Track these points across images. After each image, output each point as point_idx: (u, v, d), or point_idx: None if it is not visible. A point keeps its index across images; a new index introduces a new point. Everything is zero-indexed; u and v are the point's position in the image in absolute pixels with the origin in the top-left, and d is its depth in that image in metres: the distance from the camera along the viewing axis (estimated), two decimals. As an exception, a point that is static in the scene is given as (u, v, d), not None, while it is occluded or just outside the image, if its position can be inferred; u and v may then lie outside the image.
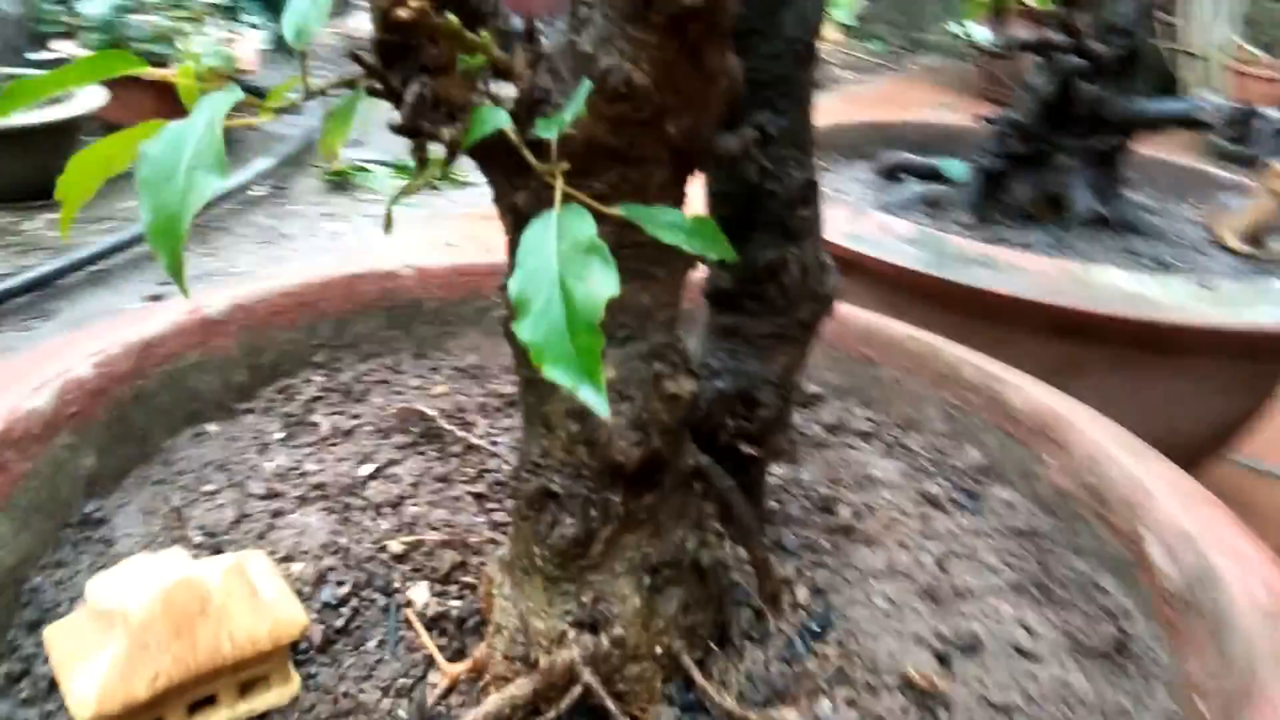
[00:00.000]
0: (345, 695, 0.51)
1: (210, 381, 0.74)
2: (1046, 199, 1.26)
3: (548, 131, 0.41)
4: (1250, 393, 1.10)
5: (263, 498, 0.66)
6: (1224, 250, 1.25)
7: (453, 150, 0.44)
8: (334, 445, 0.73)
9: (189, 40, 2.47)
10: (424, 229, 2.13)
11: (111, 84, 2.06)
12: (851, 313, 0.84)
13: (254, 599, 0.49)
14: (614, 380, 0.48)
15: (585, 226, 0.37)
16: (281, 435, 0.73)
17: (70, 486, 0.62)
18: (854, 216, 1.07)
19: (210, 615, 0.47)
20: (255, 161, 2.30)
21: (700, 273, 0.61)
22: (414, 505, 0.66)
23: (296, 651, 0.53)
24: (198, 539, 0.61)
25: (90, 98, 2.03)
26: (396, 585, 0.59)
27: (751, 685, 0.52)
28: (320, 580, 0.58)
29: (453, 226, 2.11)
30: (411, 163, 0.45)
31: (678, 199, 0.50)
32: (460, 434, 0.74)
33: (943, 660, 0.55)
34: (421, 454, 0.73)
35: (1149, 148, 1.40)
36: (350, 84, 0.46)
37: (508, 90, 0.45)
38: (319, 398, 0.78)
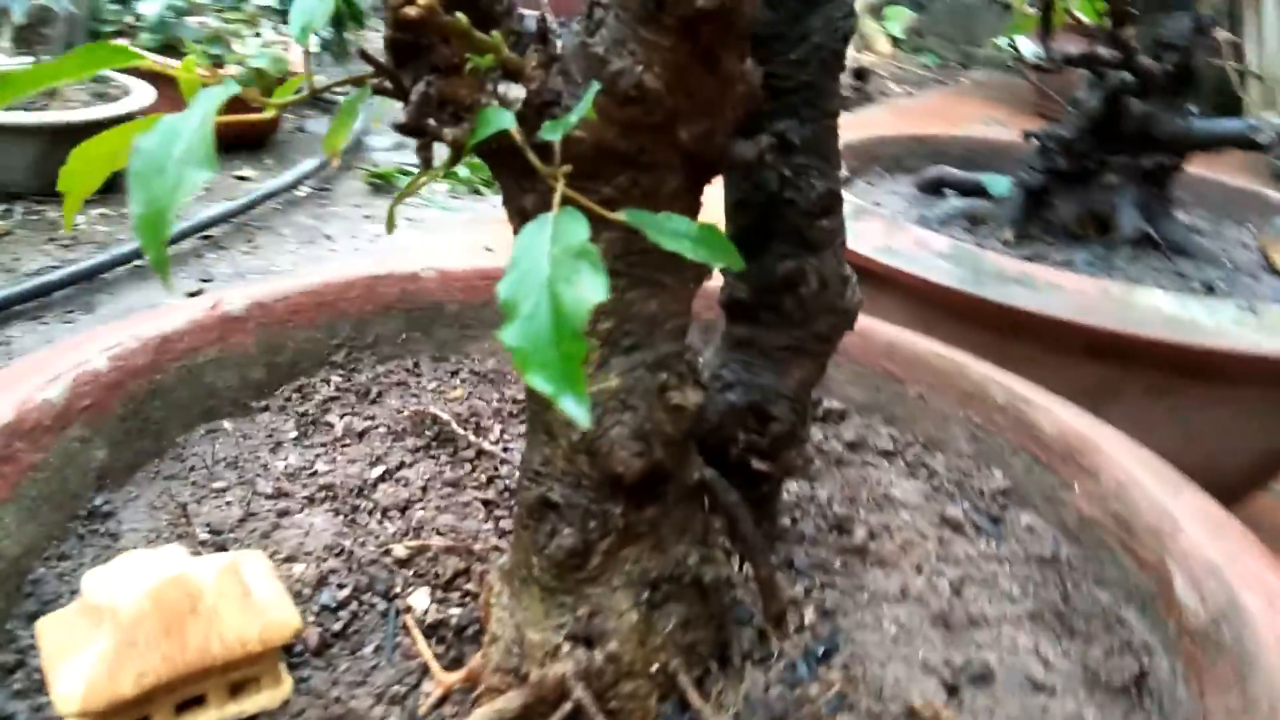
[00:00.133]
0: (337, 700, 0.50)
1: (227, 378, 0.74)
2: (1092, 217, 1.22)
3: (552, 134, 0.40)
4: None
5: (270, 497, 0.65)
6: (1277, 275, 1.21)
7: (457, 151, 0.44)
8: (346, 446, 0.72)
9: (243, 42, 2.51)
10: (464, 233, 2.14)
11: (158, 81, 2.10)
12: (876, 327, 0.82)
13: (246, 600, 0.49)
14: (617, 389, 0.47)
15: (579, 230, 0.36)
16: (295, 434, 0.73)
17: (80, 479, 0.62)
18: (889, 230, 1.05)
19: (201, 614, 0.47)
20: (301, 162, 2.33)
21: (718, 282, 0.60)
22: (422, 510, 0.65)
23: (291, 654, 0.52)
24: (203, 536, 0.61)
25: (140, 95, 2.07)
26: (397, 590, 0.58)
27: (749, 708, 0.50)
28: (321, 582, 0.58)
29: (493, 231, 2.11)
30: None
31: (691, 206, 0.49)
32: (473, 439, 0.73)
33: (951, 690, 0.53)
34: (433, 458, 0.72)
35: (1202, 168, 1.35)
36: (358, 82, 0.46)
37: (523, 93, 0.45)
38: (335, 398, 0.78)
